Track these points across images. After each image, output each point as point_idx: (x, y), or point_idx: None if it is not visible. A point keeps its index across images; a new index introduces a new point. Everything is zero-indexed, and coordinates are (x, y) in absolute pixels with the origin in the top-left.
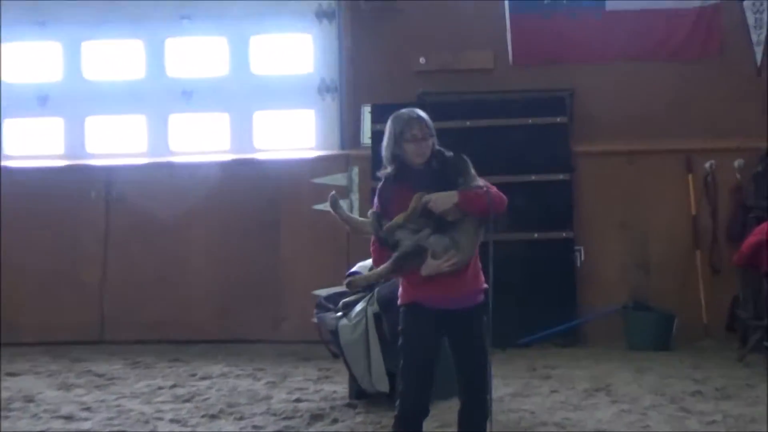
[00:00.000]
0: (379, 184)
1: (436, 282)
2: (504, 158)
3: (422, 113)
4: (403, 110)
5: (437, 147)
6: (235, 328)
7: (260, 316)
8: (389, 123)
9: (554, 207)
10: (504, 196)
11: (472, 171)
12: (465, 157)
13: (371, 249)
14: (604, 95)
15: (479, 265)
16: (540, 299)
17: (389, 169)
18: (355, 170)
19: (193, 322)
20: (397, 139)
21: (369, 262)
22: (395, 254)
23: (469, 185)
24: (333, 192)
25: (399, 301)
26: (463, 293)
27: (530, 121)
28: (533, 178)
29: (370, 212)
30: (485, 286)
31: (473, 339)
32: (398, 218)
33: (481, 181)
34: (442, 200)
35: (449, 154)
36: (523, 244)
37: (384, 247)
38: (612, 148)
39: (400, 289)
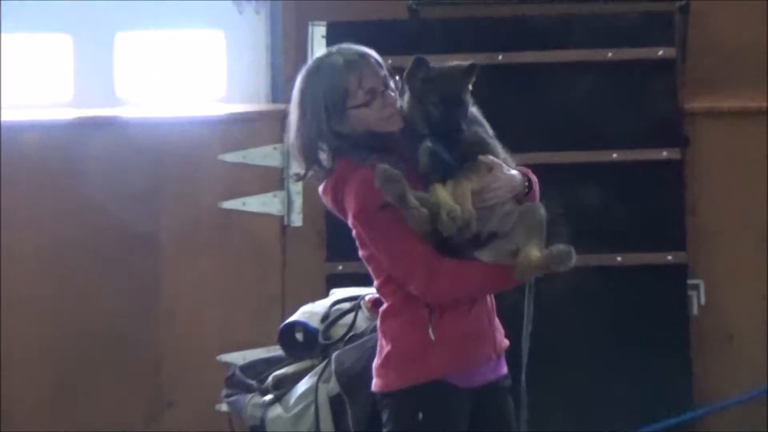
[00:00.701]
0: (372, 174)
1: (479, 331)
2: (563, 122)
3: (364, 48)
4: (324, 55)
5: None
6: (82, 420)
7: (127, 400)
8: (304, 85)
9: (653, 209)
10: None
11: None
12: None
13: (427, 259)
14: (743, 13)
15: None
16: (629, 371)
17: (329, 163)
18: None
19: (8, 408)
20: (336, 108)
21: (320, 306)
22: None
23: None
24: (383, 166)
25: (389, 382)
26: (500, 350)
27: (610, 54)
28: (615, 157)
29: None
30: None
31: None
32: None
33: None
34: (507, 186)
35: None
36: (597, 275)
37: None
38: (757, 105)
39: (394, 355)
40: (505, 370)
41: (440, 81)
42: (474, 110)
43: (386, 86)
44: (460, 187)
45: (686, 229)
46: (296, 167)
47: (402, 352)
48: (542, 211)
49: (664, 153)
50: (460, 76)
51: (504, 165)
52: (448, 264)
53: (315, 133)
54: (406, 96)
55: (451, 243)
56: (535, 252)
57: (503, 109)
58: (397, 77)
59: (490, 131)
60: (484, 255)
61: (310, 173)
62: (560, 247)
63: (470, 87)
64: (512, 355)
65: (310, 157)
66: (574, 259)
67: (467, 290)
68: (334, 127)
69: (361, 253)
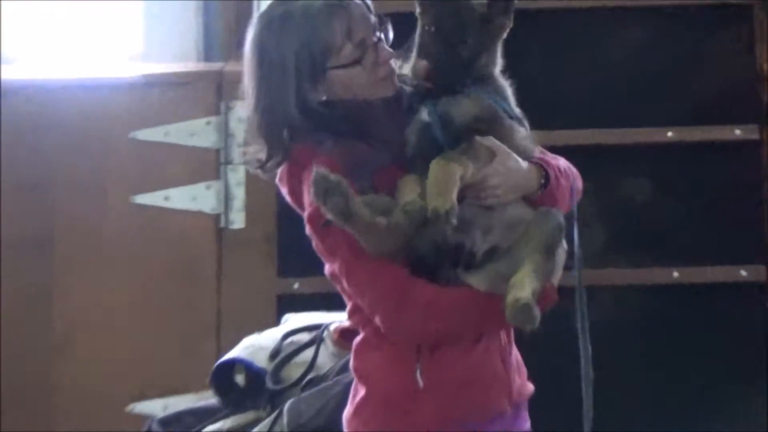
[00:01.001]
0: (326, 156)
1: (487, 373)
2: (600, 89)
3: None
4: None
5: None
6: None
7: None
8: (265, 39)
9: (721, 207)
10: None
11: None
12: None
13: (393, 279)
14: None
15: None
16: (693, 416)
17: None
18: (239, 112)
19: None
20: (313, 70)
21: (269, 338)
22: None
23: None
24: (320, 170)
25: None
26: (518, 399)
27: (665, 1)
28: (670, 136)
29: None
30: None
31: None
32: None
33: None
34: (507, 185)
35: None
36: (648, 296)
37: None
38: None
39: (371, 401)
40: (527, 425)
41: (447, 5)
42: (502, 81)
43: (378, 37)
44: (445, 169)
45: (766, 236)
46: (257, 151)
47: (381, 398)
48: (557, 220)
49: (737, 131)
50: (479, 10)
51: (512, 155)
52: (422, 292)
53: (281, 105)
54: (417, 31)
55: (431, 262)
56: (524, 286)
57: (520, 72)
58: (389, 25)
59: (516, 110)
60: (476, 280)
61: (274, 159)
62: (522, 300)
63: (496, 36)
64: (540, 405)
65: (274, 136)
66: (537, 320)
67: (449, 328)
68: (306, 95)
69: (326, 267)
